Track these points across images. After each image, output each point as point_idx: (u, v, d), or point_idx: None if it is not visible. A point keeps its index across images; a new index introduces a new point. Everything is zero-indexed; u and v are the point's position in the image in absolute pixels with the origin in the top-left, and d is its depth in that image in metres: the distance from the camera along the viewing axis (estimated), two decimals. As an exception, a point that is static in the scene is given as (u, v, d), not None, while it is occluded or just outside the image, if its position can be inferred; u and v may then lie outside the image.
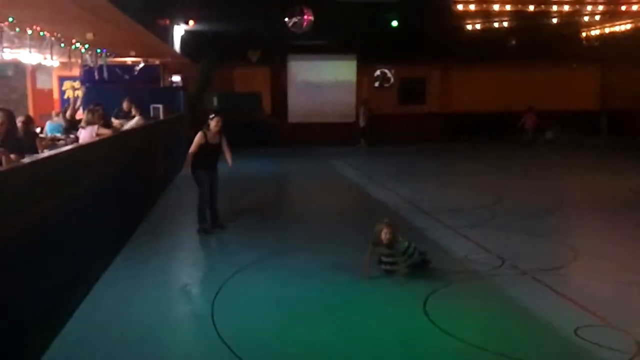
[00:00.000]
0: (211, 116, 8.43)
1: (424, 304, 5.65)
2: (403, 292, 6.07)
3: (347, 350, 4.76)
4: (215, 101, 20.71)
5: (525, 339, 4.96)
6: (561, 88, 23.72)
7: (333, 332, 5.14)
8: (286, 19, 14.05)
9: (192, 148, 8.32)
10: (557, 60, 22.50)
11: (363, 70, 22.85)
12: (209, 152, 8.37)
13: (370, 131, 21.03)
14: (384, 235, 6.34)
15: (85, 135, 8.97)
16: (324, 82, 22.66)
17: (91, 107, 10.15)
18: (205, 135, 8.32)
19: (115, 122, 11.23)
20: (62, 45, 12.48)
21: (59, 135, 10.97)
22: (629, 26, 17.63)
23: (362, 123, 21.23)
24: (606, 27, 18.33)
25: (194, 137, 8.38)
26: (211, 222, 8.62)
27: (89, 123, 9.13)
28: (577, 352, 4.67)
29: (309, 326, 5.26)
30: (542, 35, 18.68)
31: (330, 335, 5.09)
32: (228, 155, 8.65)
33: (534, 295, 5.97)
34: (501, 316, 5.51)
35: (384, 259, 6.46)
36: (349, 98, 22.76)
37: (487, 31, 17.71)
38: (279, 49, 21.00)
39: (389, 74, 23.48)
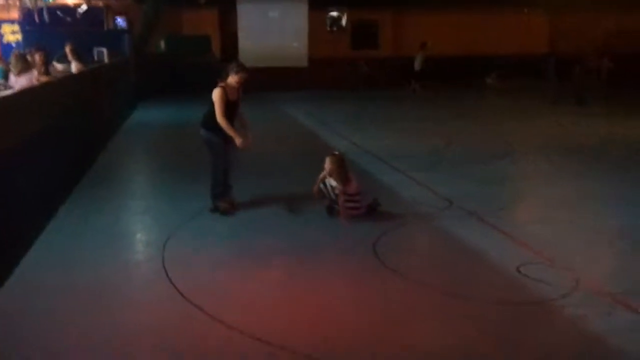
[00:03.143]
0: (233, 66, 6.73)
1: (374, 245, 5.75)
2: (353, 234, 6.15)
3: (297, 296, 4.81)
4: (162, 44, 20.03)
5: (469, 276, 5.12)
6: (512, 33, 23.88)
7: (284, 278, 5.21)
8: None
9: (219, 111, 6.56)
10: (508, 5, 22.56)
11: (315, 14, 22.45)
12: (228, 112, 6.71)
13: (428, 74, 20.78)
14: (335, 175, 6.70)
15: (22, 82, 8.50)
16: (275, 25, 22.23)
17: (27, 51, 9.69)
18: (225, 92, 6.64)
19: (58, 67, 10.79)
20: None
21: (-3, 81, 10.49)
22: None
23: (417, 67, 20.86)
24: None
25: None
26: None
27: (26, 68, 8.65)
28: (519, 287, 4.85)
29: (260, 272, 5.28)
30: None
31: (281, 281, 5.15)
32: (245, 127, 7.04)
33: (480, 234, 6.14)
34: (447, 255, 5.68)
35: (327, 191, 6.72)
36: (301, 42, 22.46)
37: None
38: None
39: (342, 18, 23.15)
